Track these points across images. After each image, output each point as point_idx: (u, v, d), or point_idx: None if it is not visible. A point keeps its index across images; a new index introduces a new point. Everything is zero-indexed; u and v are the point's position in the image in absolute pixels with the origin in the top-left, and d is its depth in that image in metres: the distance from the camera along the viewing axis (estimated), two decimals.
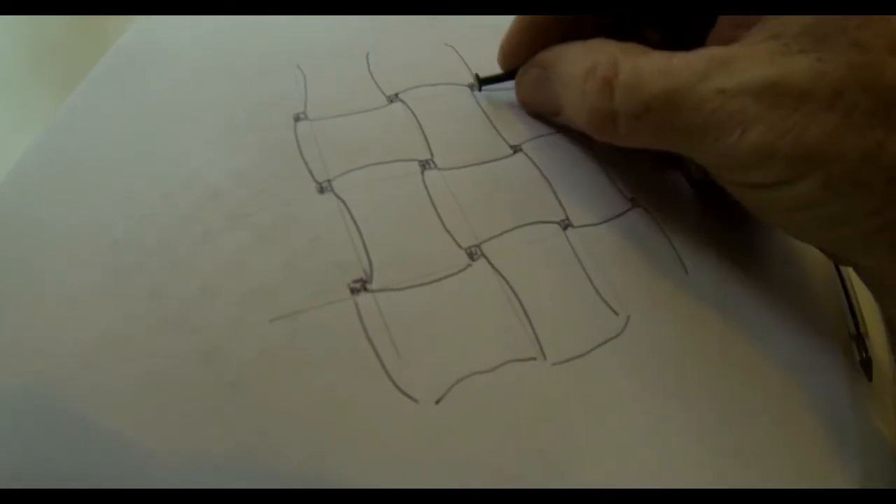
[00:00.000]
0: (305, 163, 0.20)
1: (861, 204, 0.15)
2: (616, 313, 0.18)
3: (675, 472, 0.16)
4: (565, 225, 0.20)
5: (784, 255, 0.22)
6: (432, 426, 0.15)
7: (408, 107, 0.22)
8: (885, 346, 0.22)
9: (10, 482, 0.13)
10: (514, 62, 0.22)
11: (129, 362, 0.15)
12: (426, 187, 0.20)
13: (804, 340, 0.19)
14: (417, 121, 0.22)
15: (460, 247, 0.18)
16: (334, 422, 0.15)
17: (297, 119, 0.21)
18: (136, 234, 0.18)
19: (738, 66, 0.15)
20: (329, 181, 0.19)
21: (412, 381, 0.16)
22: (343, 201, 0.19)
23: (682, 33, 0.19)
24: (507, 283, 0.18)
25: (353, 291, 0.17)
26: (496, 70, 0.23)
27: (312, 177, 0.19)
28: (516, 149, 0.22)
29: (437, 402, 0.16)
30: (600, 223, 0.20)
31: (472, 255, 0.18)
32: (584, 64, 0.18)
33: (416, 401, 0.15)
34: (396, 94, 0.23)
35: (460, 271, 0.18)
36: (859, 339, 0.20)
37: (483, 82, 0.23)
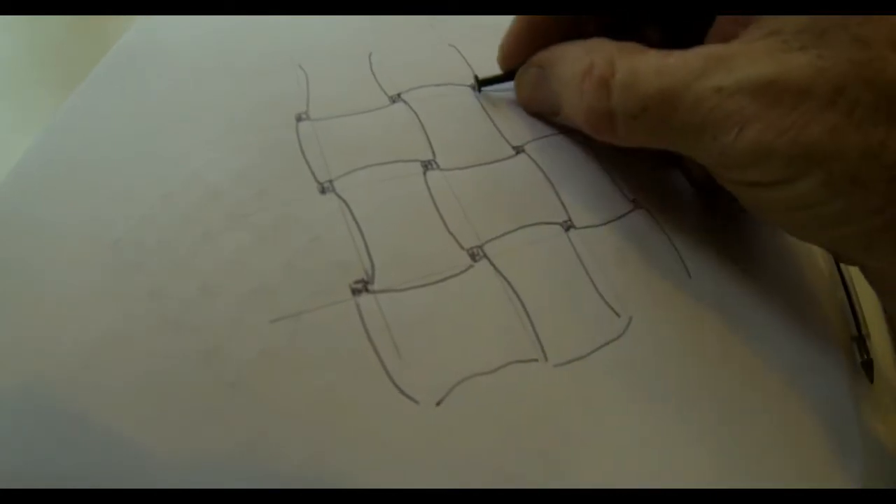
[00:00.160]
0: (307, 163, 0.20)
1: (862, 203, 0.14)
2: (618, 315, 0.18)
3: (676, 473, 0.16)
4: (567, 226, 0.20)
5: (786, 257, 0.22)
6: (433, 427, 0.15)
7: (410, 107, 0.22)
8: (886, 347, 0.22)
9: (10, 482, 0.13)
10: (514, 63, 0.22)
11: (129, 362, 0.15)
12: (428, 188, 0.20)
13: (805, 341, 0.19)
14: (420, 121, 0.22)
15: (462, 248, 0.18)
16: (334, 422, 0.15)
17: (298, 119, 0.21)
18: (136, 234, 0.17)
19: (735, 63, 0.15)
20: (331, 181, 0.19)
21: (413, 381, 0.16)
22: (344, 201, 0.19)
23: (682, 32, 0.19)
24: (509, 284, 0.18)
25: (355, 292, 0.17)
26: (497, 70, 0.23)
27: (314, 177, 0.19)
28: (518, 149, 0.22)
29: (438, 403, 0.16)
30: (602, 224, 0.20)
31: (474, 256, 0.18)
32: (581, 64, 0.18)
33: (416, 402, 0.15)
34: (399, 95, 0.23)
35: (462, 272, 0.18)
36: (860, 340, 0.20)
37: (482, 83, 0.23)
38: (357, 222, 0.18)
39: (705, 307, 0.19)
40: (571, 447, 0.16)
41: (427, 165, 0.20)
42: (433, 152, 0.21)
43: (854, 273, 0.23)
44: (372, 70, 0.24)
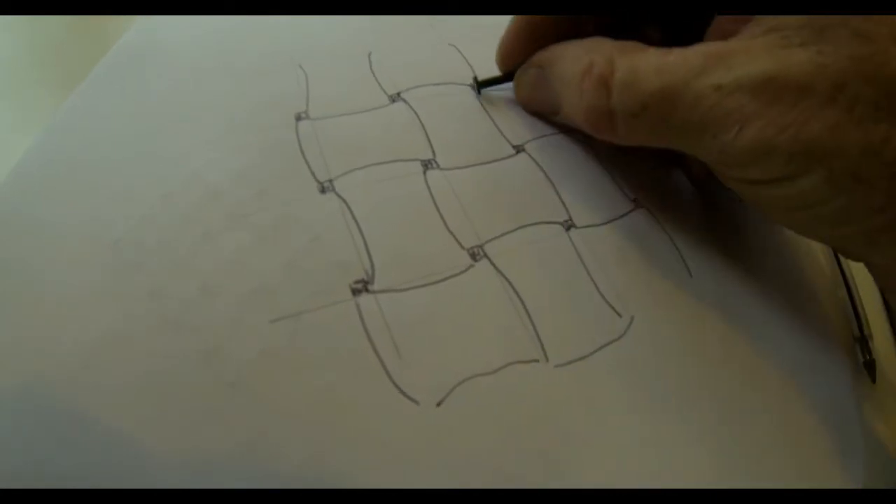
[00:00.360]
0: (307, 162, 0.20)
1: (864, 200, 0.14)
2: (619, 315, 0.18)
3: (677, 473, 0.16)
4: (568, 225, 0.20)
5: (787, 256, 0.22)
6: (433, 428, 0.15)
7: (410, 106, 0.22)
8: (889, 347, 0.22)
9: (10, 482, 0.13)
10: (512, 63, 0.22)
11: (129, 362, 0.15)
12: (428, 187, 0.20)
13: (807, 341, 0.19)
14: (420, 120, 0.22)
15: (462, 247, 0.18)
16: (334, 422, 0.15)
17: (298, 118, 0.21)
18: (136, 234, 0.17)
19: (735, 61, 0.15)
20: (331, 181, 0.19)
21: (413, 382, 0.16)
22: (344, 201, 0.19)
23: (682, 31, 0.19)
24: (510, 283, 0.18)
25: (355, 292, 0.17)
26: (497, 70, 0.23)
27: (314, 176, 0.19)
28: (519, 149, 0.22)
29: (439, 403, 0.15)
30: (603, 224, 0.20)
31: (474, 256, 0.18)
32: (581, 63, 0.18)
33: (416, 402, 0.15)
34: (398, 94, 0.23)
35: (462, 272, 0.18)
36: (863, 340, 0.20)
37: (481, 85, 0.23)
38: (357, 222, 0.18)
39: (707, 307, 0.19)
40: (572, 447, 0.16)
41: (427, 165, 0.20)
42: (433, 152, 0.21)
43: (856, 273, 0.23)
44: (372, 69, 0.24)
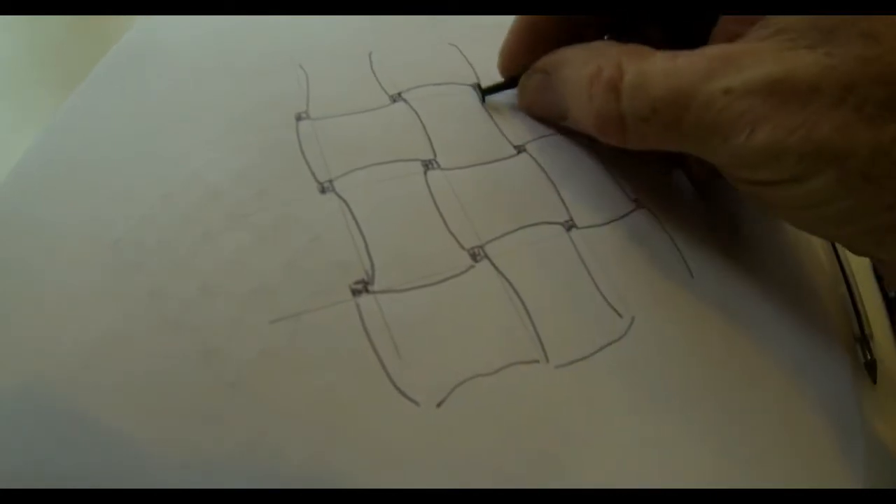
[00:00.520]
0: (307, 162, 0.20)
1: (874, 200, 0.14)
2: (620, 315, 0.18)
3: (678, 473, 0.16)
4: (569, 226, 0.20)
5: (788, 256, 0.22)
6: (433, 428, 0.15)
7: (410, 106, 0.22)
8: (890, 347, 0.22)
9: (10, 482, 0.13)
10: (515, 68, 0.22)
11: (129, 362, 0.15)
12: (429, 187, 0.20)
13: (808, 342, 0.19)
14: (420, 120, 0.22)
15: (463, 248, 0.18)
16: (334, 422, 0.15)
17: (298, 118, 0.21)
18: (136, 234, 0.17)
19: (743, 63, 0.15)
20: (331, 181, 0.19)
21: (413, 383, 0.16)
22: (345, 201, 0.19)
23: (684, 31, 0.19)
24: (510, 284, 0.18)
25: (355, 292, 0.17)
26: (499, 72, 0.23)
27: (314, 176, 0.19)
28: (520, 149, 0.22)
29: (439, 404, 0.15)
30: (604, 224, 0.20)
31: (474, 257, 0.18)
32: (588, 67, 0.18)
33: (417, 403, 0.15)
34: (399, 94, 0.23)
35: (463, 272, 0.18)
36: (864, 340, 0.20)
37: (485, 92, 0.23)
38: (357, 222, 0.18)
39: (708, 307, 0.19)
40: (573, 448, 0.16)
41: (427, 165, 0.20)
42: (434, 152, 0.21)
43: (857, 273, 0.23)
44: (372, 69, 0.24)
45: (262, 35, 0.25)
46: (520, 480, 0.15)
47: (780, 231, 0.22)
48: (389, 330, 0.16)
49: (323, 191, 0.19)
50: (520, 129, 0.22)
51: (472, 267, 0.18)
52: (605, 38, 0.21)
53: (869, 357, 0.20)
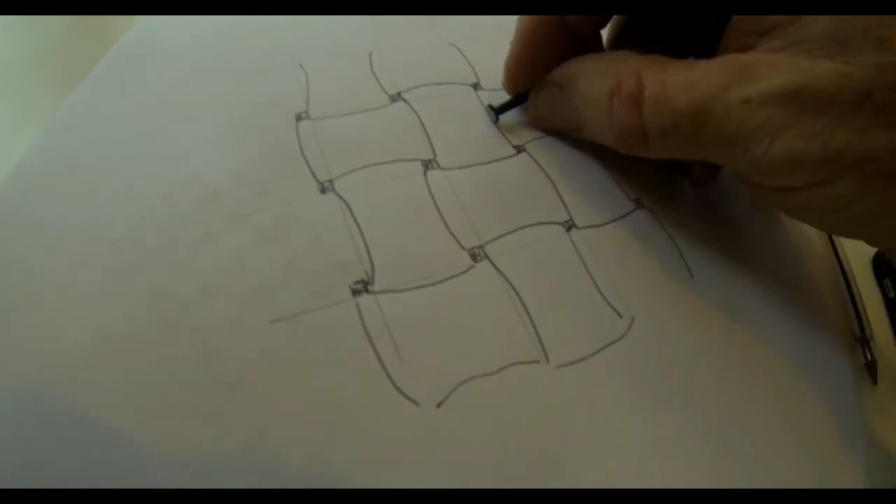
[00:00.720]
0: (307, 162, 0.20)
1: (895, 198, 0.15)
2: (620, 315, 0.18)
3: (679, 473, 0.16)
4: (569, 226, 0.20)
5: (789, 257, 0.22)
6: (433, 429, 0.15)
7: (410, 106, 0.22)
8: (891, 348, 0.22)
9: (10, 482, 0.13)
10: (523, 84, 0.22)
11: (129, 362, 0.15)
12: (429, 187, 0.20)
13: (808, 342, 0.19)
14: (420, 120, 0.22)
15: (463, 248, 0.18)
16: (334, 422, 0.15)
17: (298, 118, 0.21)
18: (136, 234, 0.17)
19: (760, 73, 0.15)
20: (331, 181, 0.19)
21: (413, 383, 0.16)
22: (345, 201, 0.19)
23: (688, 33, 0.19)
24: (510, 284, 0.18)
25: (355, 292, 0.17)
26: (498, 69, 0.23)
27: (314, 176, 0.19)
28: (520, 149, 0.22)
29: (439, 405, 0.15)
30: (604, 224, 0.20)
31: (474, 257, 0.18)
32: (607, 80, 0.18)
33: (417, 404, 0.15)
34: (399, 94, 0.23)
35: (463, 272, 0.18)
36: (864, 341, 0.20)
37: (498, 111, 0.22)
38: (357, 222, 0.18)
39: (708, 307, 0.19)
40: (573, 448, 0.16)
41: (427, 165, 0.20)
42: (434, 151, 0.21)
43: (857, 273, 0.23)
44: (372, 69, 0.24)
45: (262, 35, 0.25)
46: (520, 480, 0.15)
47: (781, 231, 0.22)
48: (389, 330, 0.16)
49: (323, 191, 0.19)
50: (520, 128, 0.22)
51: (472, 267, 0.18)
52: (604, 41, 0.21)
53: (869, 357, 0.20)
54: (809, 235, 0.23)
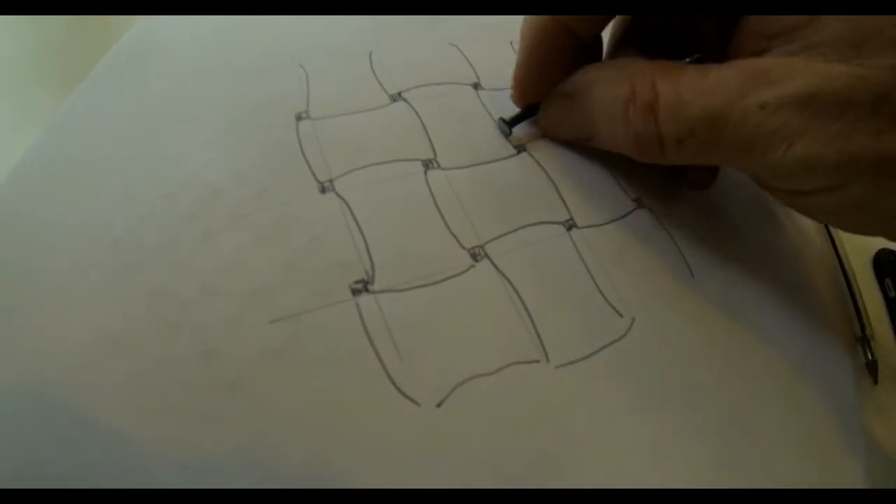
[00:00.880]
0: (307, 162, 0.20)
1: None
2: (620, 315, 0.18)
3: (679, 473, 0.16)
4: (569, 225, 0.20)
5: (790, 256, 0.22)
6: (433, 428, 0.15)
7: (411, 106, 0.22)
8: (891, 348, 0.22)
9: (10, 482, 0.13)
10: (532, 95, 0.22)
11: (128, 362, 0.15)
12: (429, 187, 0.20)
13: (809, 342, 0.19)
14: (420, 120, 0.22)
15: (463, 247, 0.18)
16: (334, 422, 0.15)
17: (298, 118, 0.21)
18: (136, 234, 0.17)
19: (775, 78, 0.15)
20: (331, 181, 0.19)
21: (413, 383, 0.16)
22: (345, 201, 0.19)
23: (694, 34, 0.19)
24: (511, 284, 0.18)
25: (355, 292, 0.17)
26: (499, 69, 0.23)
27: (314, 176, 0.19)
28: (520, 148, 0.22)
29: (439, 405, 0.15)
30: (605, 224, 0.20)
31: (475, 256, 0.18)
32: (620, 89, 0.18)
33: (417, 403, 0.15)
34: (399, 94, 0.23)
35: (463, 272, 0.18)
36: (864, 340, 0.20)
37: (510, 124, 0.22)
38: (357, 222, 0.18)
39: (708, 307, 0.19)
40: (573, 448, 0.16)
41: (428, 164, 0.20)
42: (434, 151, 0.21)
43: (857, 273, 0.23)
44: (372, 69, 0.24)
45: (262, 35, 0.25)
46: (520, 480, 0.15)
47: (781, 231, 0.22)
48: (389, 330, 0.16)
49: (323, 191, 0.19)
50: (520, 128, 0.22)
51: (472, 267, 0.18)
52: (605, 42, 0.21)
53: (870, 357, 0.20)
54: (810, 235, 0.23)
